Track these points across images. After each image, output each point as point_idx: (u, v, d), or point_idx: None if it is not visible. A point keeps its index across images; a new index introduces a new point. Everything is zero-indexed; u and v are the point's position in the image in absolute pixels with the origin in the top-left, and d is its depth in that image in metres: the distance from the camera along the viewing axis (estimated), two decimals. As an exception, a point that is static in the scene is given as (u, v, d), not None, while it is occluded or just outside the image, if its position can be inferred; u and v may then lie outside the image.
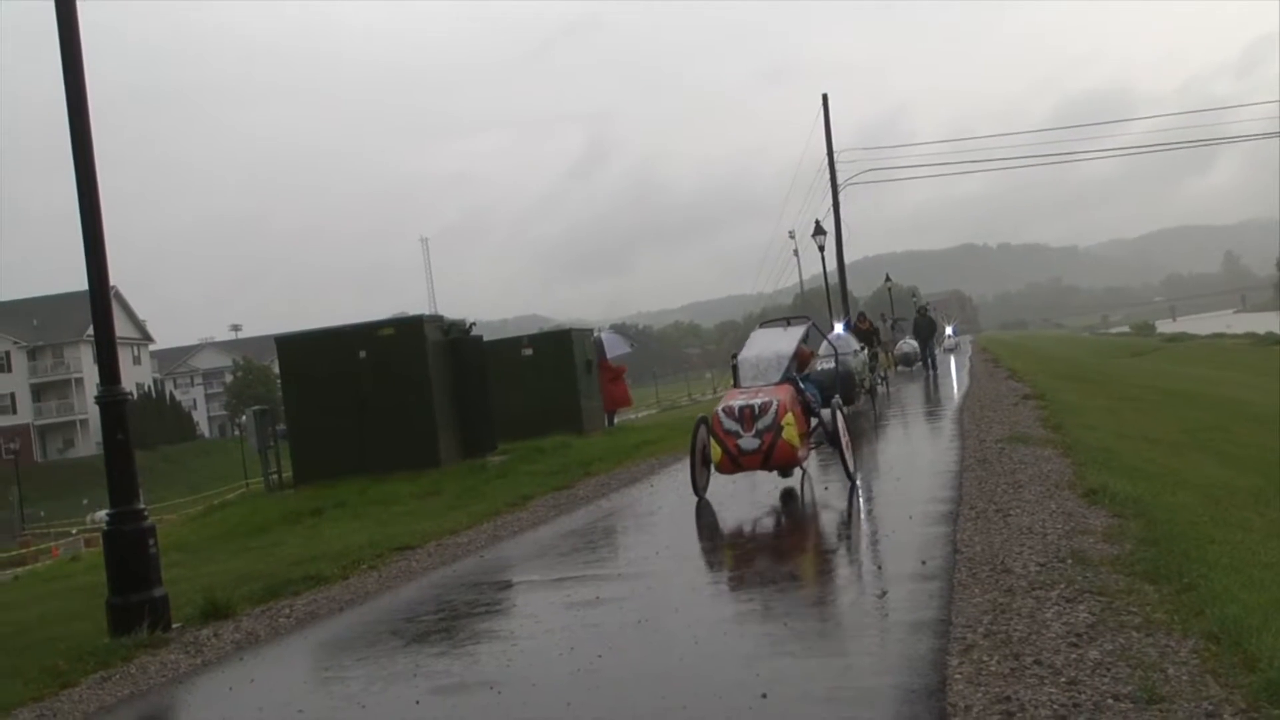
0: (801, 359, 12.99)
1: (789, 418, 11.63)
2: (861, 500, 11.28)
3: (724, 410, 11.85)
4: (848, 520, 10.65)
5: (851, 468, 12.16)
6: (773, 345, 13.06)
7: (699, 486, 12.28)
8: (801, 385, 12.62)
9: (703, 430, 12.25)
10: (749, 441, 11.60)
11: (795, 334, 13.36)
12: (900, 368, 41.49)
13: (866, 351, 27.61)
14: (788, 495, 12.15)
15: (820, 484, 12.74)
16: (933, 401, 25.66)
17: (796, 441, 11.69)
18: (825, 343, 21.90)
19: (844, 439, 12.29)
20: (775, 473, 12.43)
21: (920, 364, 40.83)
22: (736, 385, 12.77)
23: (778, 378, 12.37)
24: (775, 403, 11.67)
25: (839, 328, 26.70)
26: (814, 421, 12.68)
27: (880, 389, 28.91)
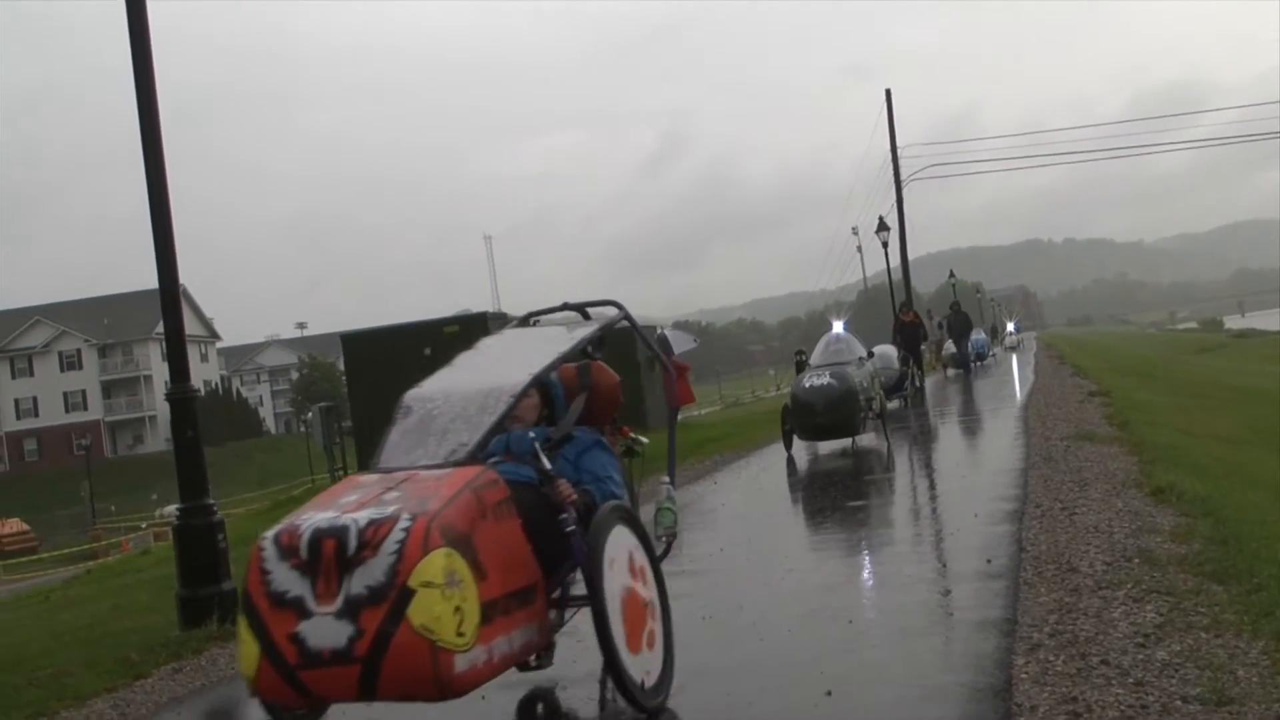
0: (601, 396, 6.31)
1: (440, 561, 4.41)
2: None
3: (278, 538, 4.64)
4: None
5: (649, 683, 5.22)
6: (493, 370, 5.69)
7: None
8: (547, 467, 5.39)
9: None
10: (327, 629, 4.44)
11: (565, 342, 5.84)
12: (950, 371, 39.42)
13: (898, 355, 25.27)
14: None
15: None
16: (977, 404, 25.26)
17: (453, 635, 4.38)
18: (821, 348, 18.01)
19: (625, 613, 5.18)
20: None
21: (977, 364, 39.76)
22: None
23: (469, 449, 5.05)
24: (407, 523, 4.49)
25: (837, 326, 19.20)
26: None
27: (896, 404, 23.87)
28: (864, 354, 18.09)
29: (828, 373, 16.23)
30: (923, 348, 33.22)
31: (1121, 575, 6.66)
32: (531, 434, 5.63)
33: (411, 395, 5.50)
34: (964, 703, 4.84)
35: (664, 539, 6.44)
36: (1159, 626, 5.54)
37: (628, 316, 6.64)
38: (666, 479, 6.69)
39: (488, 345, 6.17)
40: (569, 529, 5.12)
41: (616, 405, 6.48)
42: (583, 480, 5.63)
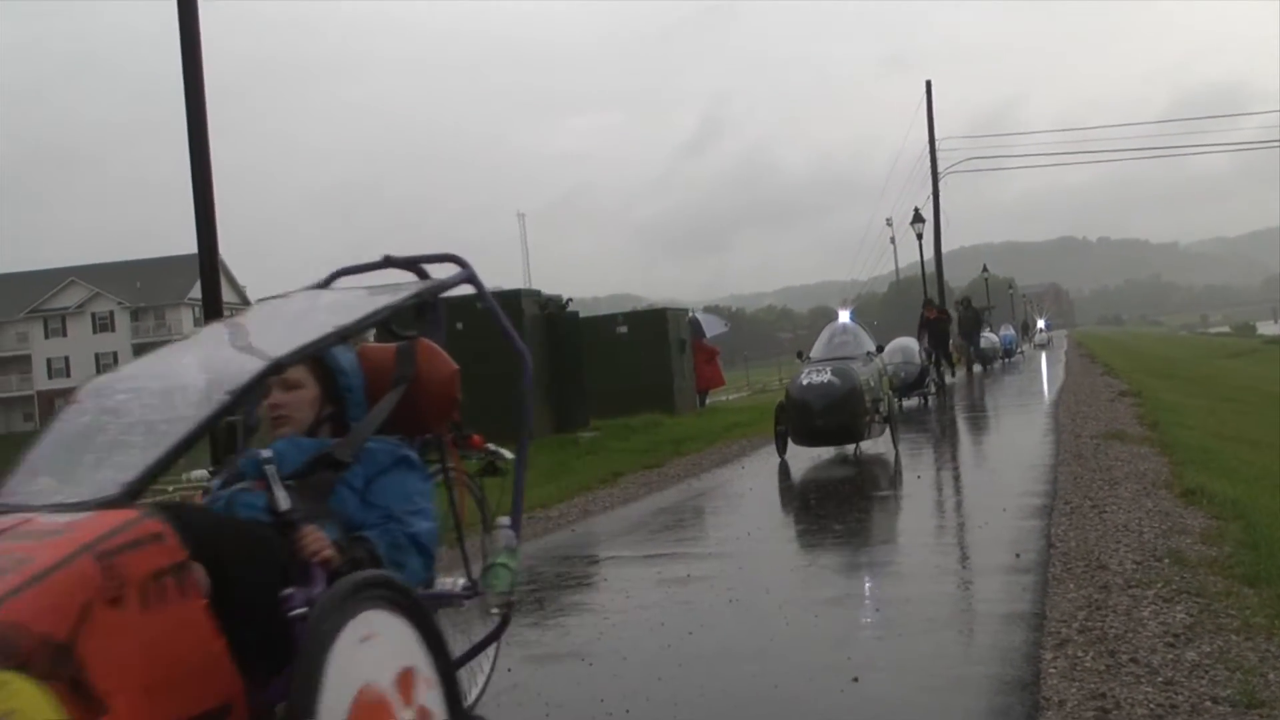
0: (430, 391, 4.57)
1: None
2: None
3: None
4: None
5: None
6: (225, 352, 3.77)
7: None
8: (281, 505, 3.57)
9: None
10: None
11: (353, 311, 3.96)
12: (975, 368, 37.86)
13: (920, 349, 24.01)
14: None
15: None
16: (1004, 402, 25.08)
17: None
18: (824, 340, 16.10)
19: None
20: None
21: (999, 361, 39.27)
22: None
23: (130, 480, 3.06)
24: None
25: (843, 315, 17.53)
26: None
27: (915, 402, 23.27)
28: (873, 348, 16.01)
29: (829, 369, 14.37)
30: (951, 344, 32.46)
31: (1151, 575, 6.65)
32: (265, 453, 3.74)
33: (93, 385, 3.56)
34: (991, 694, 4.85)
35: (497, 612, 4.58)
36: (1189, 627, 5.53)
37: (473, 279, 4.84)
38: (506, 520, 4.75)
39: (252, 313, 4.53)
40: (294, 611, 3.26)
41: (454, 404, 4.70)
42: (366, 522, 3.86)
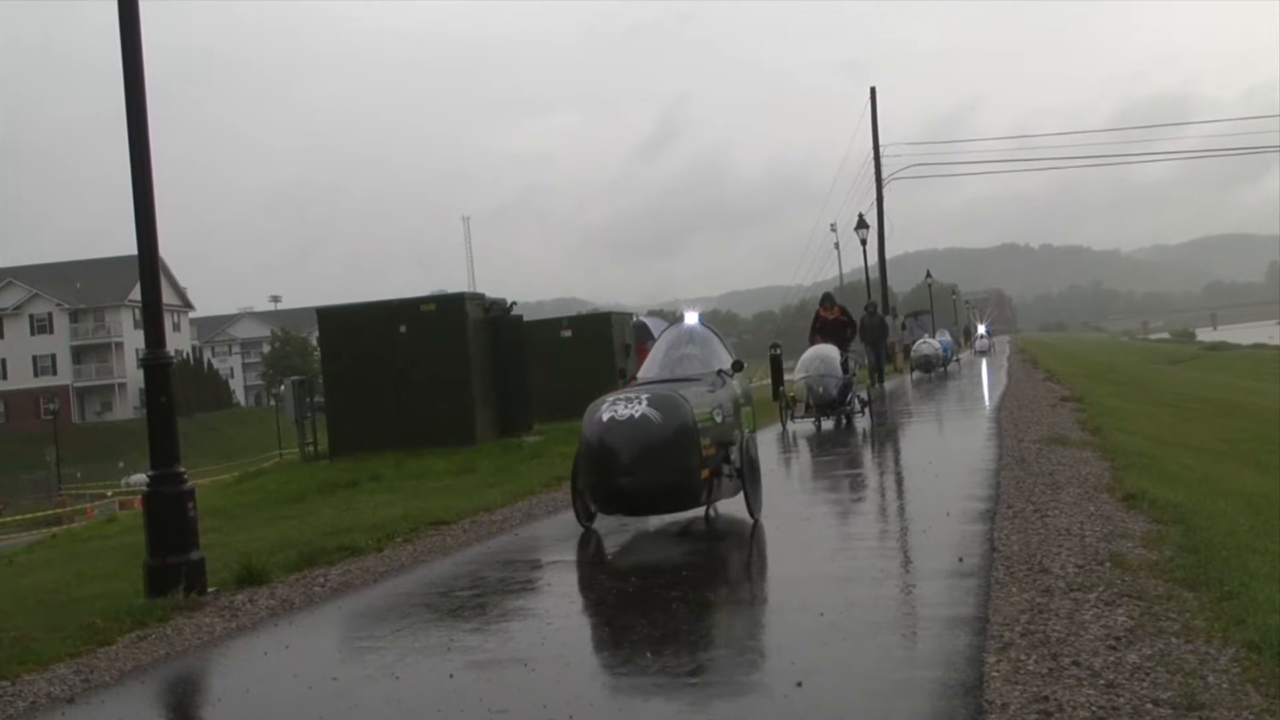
0: None
1: None
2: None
3: None
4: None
5: None
6: None
7: None
8: None
9: None
10: None
11: None
12: (916, 373, 37.54)
13: (841, 358, 20.11)
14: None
15: None
16: (944, 410, 25.19)
17: None
18: (660, 351, 11.34)
19: None
20: None
21: (941, 369, 38.55)
22: None
23: None
24: None
25: (690, 318, 11.74)
26: None
27: (829, 425, 19.87)
28: (727, 364, 10.90)
29: (645, 397, 9.59)
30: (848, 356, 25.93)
31: (1093, 578, 6.67)
32: None
33: None
34: (935, 698, 4.83)
35: None
36: (1130, 630, 5.55)
37: None
38: None
39: None
40: None
41: None
42: None
